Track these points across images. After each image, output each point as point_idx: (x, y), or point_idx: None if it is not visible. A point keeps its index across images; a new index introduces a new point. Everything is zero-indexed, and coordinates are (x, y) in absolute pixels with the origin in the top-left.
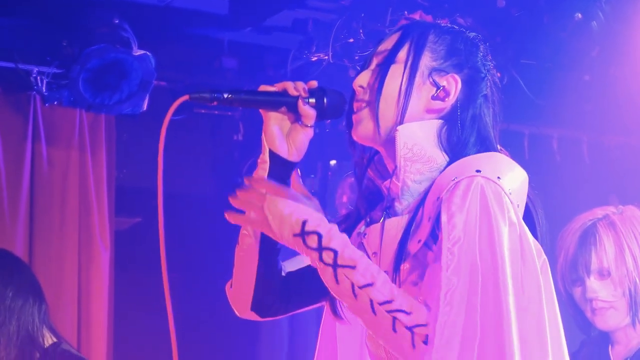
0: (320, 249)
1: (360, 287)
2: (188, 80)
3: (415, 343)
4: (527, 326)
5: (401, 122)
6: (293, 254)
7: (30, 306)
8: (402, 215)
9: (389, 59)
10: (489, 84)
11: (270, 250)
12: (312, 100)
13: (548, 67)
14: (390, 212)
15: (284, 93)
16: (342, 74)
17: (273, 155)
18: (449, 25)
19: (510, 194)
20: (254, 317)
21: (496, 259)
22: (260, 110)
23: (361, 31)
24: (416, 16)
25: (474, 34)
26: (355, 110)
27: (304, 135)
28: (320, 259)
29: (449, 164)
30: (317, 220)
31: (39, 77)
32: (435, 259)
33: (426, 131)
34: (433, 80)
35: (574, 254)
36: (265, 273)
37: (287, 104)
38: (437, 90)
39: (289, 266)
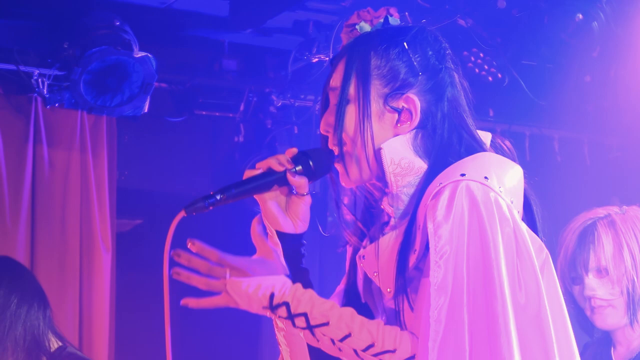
0: (290, 317)
1: (340, 341)
2: (189, 82)
3: None
4: (528, 330)
5: (377, 155)
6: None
7: (35, 311)
8: (396, 229)
9: (342, 99)
10: (449, 72)
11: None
12: (299, 168)
13: (549, 68)
14: (385, 228)
15: (270, 172)
16: None
17: (281, 235)
18: (391, 22)
19: (500, 192)
20: None
21: (490, 266)
22: (255, 196)
23: None
24: (354, 19)
25: (415, 27)
26: (334, 160)
27: (303, 205)
28: (294, 325)
29: (430, 168)
30: (281, 289)
31: (40, 79)
32: (424, 274)
33: (406, 143)
34: (391, 107)
35: (573, 252)
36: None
37: (277, 181)
38: (399, 116)
39: None
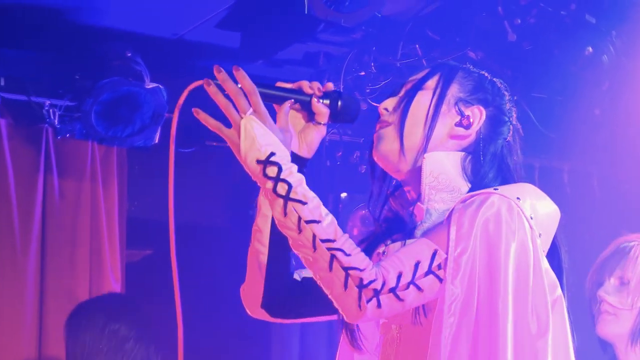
0: (277, 179)
1: (307, 222)
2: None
3: (348, 285)
4: (526, 353)
5: (425, 145)
6: None
7: (147, 353)
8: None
9: (417, 85)
10: (511, 131)
11: (280, 245)
12: (326, 101)
13: (558, 101)
14: (410, 237)
15: (299, 91)
16: None
17: None
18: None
19: (530, 218)
20: (264, 315)
21: (498, 274)
22: (275, 106)
23: (372, 64)
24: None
25: (501, 81)
26: (377, 132)
27: (316, 133)
28: (275, 189)
29: (470, 191)
30: (283, 155)
31: (51, 110)
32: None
33: (452, 161)
34: (458, 109)
35: (605, 259)
36: (275, 269)
37: (302, 102)
38: (461, 118)
39: (307, 272)
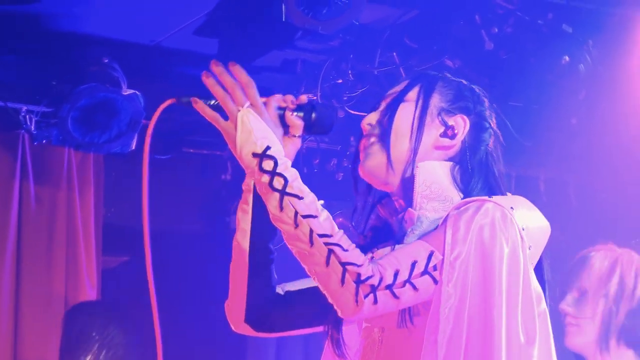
0: (273, 173)
1: (303, 217)
2: (177, 120)
3: (345, 280)
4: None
5: (413, 157)
6: (295, 276)
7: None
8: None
9: (399, 98)
10: (492, 137)
11: (261, 259)
12: (300, 114)
13: (535, 109)
14: (401, 242)
15: None
16: None
17: None
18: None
19: (522, 229)
20: (248, 330)
21: (493, 280)
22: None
23: (350, 72)
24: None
25: (479, 87)
26: (362, 147)
27: (291, 145)
28: (271, 183)
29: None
30: (278, 149)
31: (28, 116)
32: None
33: (444, 171)
34: (442, 120)
35: (568, 272)
36: (257, 283)
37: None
38: (445, 129)
39: (290, 286)
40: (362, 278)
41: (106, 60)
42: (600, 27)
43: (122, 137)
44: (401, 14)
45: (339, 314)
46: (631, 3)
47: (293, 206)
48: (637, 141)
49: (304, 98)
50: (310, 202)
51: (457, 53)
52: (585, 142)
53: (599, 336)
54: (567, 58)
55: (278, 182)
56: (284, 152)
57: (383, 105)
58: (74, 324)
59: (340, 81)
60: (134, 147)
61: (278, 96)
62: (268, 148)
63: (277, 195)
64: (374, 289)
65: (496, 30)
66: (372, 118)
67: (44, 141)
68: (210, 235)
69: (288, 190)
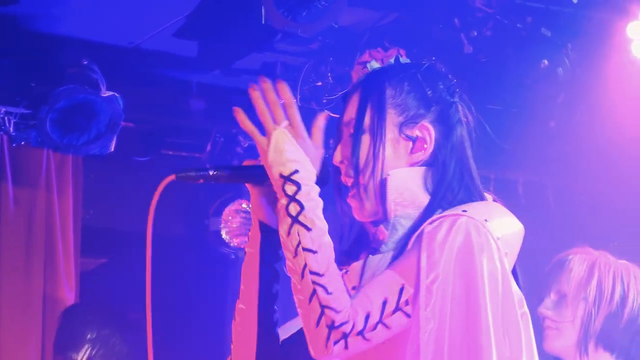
0: (292, 198)
1: (303, 249)
2: (156, 122)
3: (320, 323)
4: None
5: (386, 185)
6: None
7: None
8: (386, 253)
9: (358, 130)
10: (459, 107)
11: (269, 320)
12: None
13: (514, 113)
14: (375, 253)
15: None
16: (310, 116)
17: (264, 226)
18: (402, 61)
19: (497, 239)
20: None
21: (477, 298)
22: (247, 185)
23: (329, 75)
24: (366, 57)
25: (426, 62)
26: (349, 188)
27: None
28: (287, 207)
29: (431, 202)
30: (306, 175)
31: (6, 117)
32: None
33: (415, 176)
34: (405, 136)
35: (545, 275)
36: (267, 343)
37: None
38: (413, 144)
39: (282, 333)
40: (336, 325)
41: (85, 62)
42: (579, 31)
43: (101, 139)
44: (381, 16)
45: (311, 352)
46: (609, 7)
47: (298, 235)
48: (613, 144)
49: None
50: (317, 235)
51: (437, 56)
52: (564, 145)
53: (578, 340)
54: (546, 62)
55: (294, 208)
56: (315, 177)
57: (345, 134)
58: (67, 324)
59: (319, 84)
60: (112, 149)
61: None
62: (295, 172)
63: (289, 220)
64: (345, 335)
65: (475, 33)
66: (341, 155)
67: (22, 143)
68: (189, 237)
69: (300, 218)
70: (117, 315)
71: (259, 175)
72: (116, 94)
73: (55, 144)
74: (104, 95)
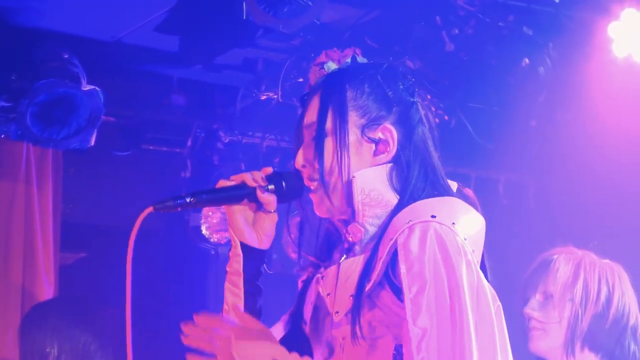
0: None
1: None
2: (136, 116)
3: None
4: None
5: (352, 185)
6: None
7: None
8: (359, 256)
9: (320, 133)
10: (419, 107)
11: None
12: (272, 187)
13: (495, 111)
14: (349, 254)
15: (243, 185)
16: (291, 113)
17: (245, 247)
18: (359, 61)
19: (465, 239)
20: None
21: (461, 302)
22: (224, 207)
23: None
24: (322, 58)
25: (385, 62)
26: (311, 189)
27: (269, 222)
28: None
29: (400, 202)
30: (284, 358)
31: None
32: (378, 306)
33: (379, 175)
34: (368, 138)
35: (528, 276)
36: None
37: (248, 195)
38: (376, 146)
39: None
40: None
41: (66, 56)
42: (560, 31)
43: (81, 133)
44: (362, 14)
45: None
46: (590, 7)
47: None
48: (594, 143)
49: (269, 169)
50: None
51: (418, 54)
52: (545, 144)
53: (565, 340)
54: (527, 60)
55: None
56: (285, 352)
57: (307, 137)
58: (36, 320)
59: (301, 80)
60: (92, 144)
61: (247, 176)
62: None
63: None
64: None
65: (457, 31)
66: (303, 158)
67: (2, 136)
68: (169, 232)
69: None
70: (91, 314)
71: (235, 196)
72: (97, 88)
73: (35, 137)
74: (85, 89)
